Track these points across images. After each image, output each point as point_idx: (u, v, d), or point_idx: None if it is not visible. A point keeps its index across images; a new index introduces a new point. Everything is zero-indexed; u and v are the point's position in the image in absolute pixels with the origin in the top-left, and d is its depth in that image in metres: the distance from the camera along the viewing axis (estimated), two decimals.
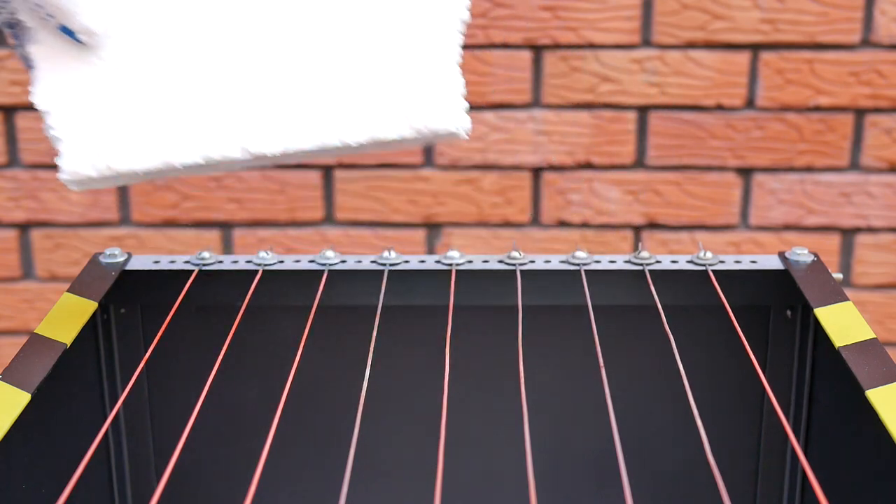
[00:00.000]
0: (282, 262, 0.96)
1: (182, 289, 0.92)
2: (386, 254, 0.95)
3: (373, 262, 0.95)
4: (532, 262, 0.95)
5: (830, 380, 0.88)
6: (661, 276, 0.93)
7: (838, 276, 0.93)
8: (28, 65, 0.81)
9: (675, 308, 0.90)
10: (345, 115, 0.80)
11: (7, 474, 0.74)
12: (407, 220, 1.47)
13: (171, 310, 0.89)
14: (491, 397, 0.97)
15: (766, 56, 1.39)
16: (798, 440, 0.93)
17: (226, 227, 1.49)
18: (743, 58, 1.39)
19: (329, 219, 1.48)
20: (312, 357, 0.90)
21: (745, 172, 1.44)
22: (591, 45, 1.39)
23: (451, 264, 0.94)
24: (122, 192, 1.47)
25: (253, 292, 0.91)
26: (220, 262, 0.96)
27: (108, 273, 0.94)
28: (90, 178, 0.79)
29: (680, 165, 1.44)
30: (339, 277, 0.94)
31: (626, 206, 1.46)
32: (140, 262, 0.96)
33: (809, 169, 1.44)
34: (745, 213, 1.46)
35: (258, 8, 0.82)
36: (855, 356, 0.79)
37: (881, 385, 0.75)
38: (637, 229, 1.47)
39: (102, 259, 0.96)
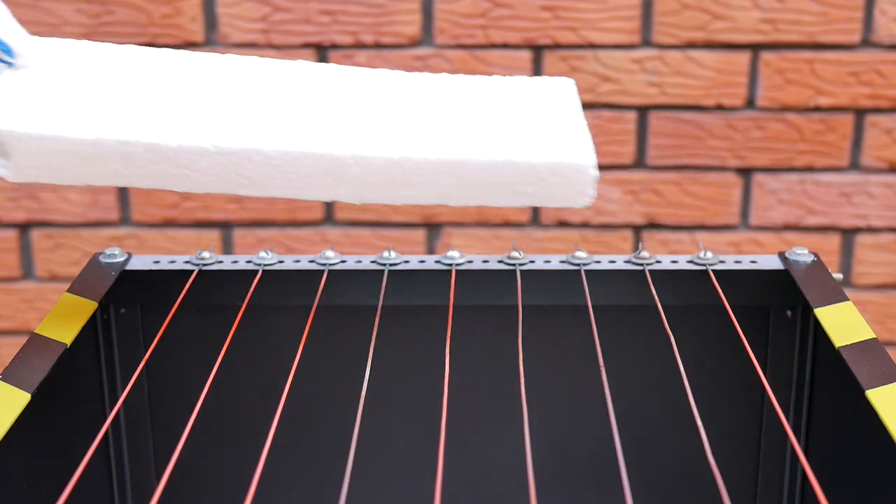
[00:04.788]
0: (282, 262, 0.96)
1: (182, 289, 0.92)
2: (386, 254, 0.95)
3: (373, 262, 0.95)
4: (532, 262, 0.95)
5: (830, 380, 0.88)
6: (661, 276, 0.93)
7: (838, 276, 0.93)
8: None
9: (675, 308, 0.90)
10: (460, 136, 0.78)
11: (7, 474, 0.74)
12: (407, 220, 1.47)
13: (171, 310, 0.89)
14: (491, 397, 0.97)
15: (766, 56, 1.39)
16: (798, 440, 0.93)
17: (226, 227, 1.49)
18: (743, 58, 1.39)
19: (329, 219, 1.48)
20: (312, 357, 0.90)
21: (745, 172, 1.44)
22: (591, 45, 1.39)
23: (451, 264, 0.94)
24: (122, 192, 1.47)
25: (253, 292, 0.91)
26: (220, 262, 0.96)
27: (108, 273, 0.94)
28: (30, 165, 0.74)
29: (680, 165, 1.44)
30: (339, 277, 0.94)
31: (626, 206, 1.46)
32: (140, 262, 0.96)
33: (809, 169, 1.44)
34: (745, 213, 1.46)
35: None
36: (855, 356, 0.79)
37: (881, 385, 0.75)
38: (637, 229, 1.47)
39: (102, 259, 0.96)
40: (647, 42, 1.39)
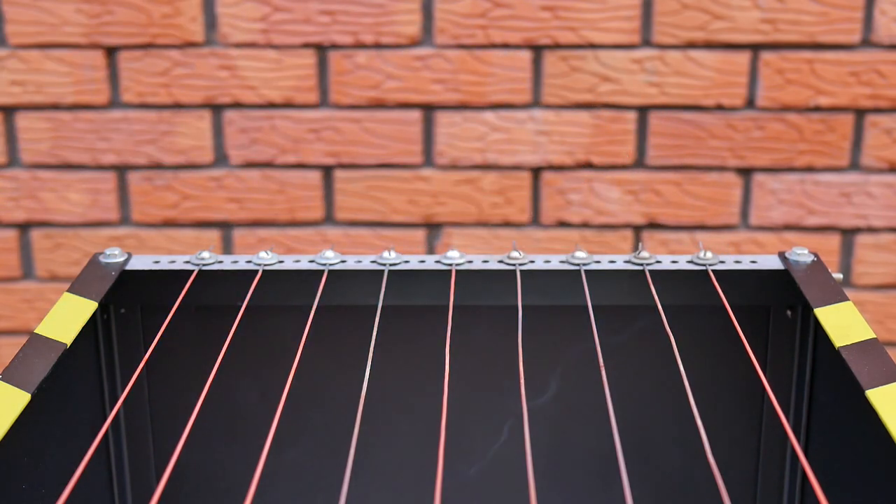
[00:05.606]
0: (282, 262, 0.96)
1: (182, 289, 0.92)
2: (386, 254, 0.95)
3: (373, 262, 0.95)
4: (532, 262, 0.95)
5: (830, 380, 0.88)
6: (661, 276, 0.93)
7: (838, 276, 0.93)
8: None
9: (675, 308, 0.90)
10: None
11: (7, 474, 0.74)
12: (407, 220, 1.47)
13: (171, 310, 0.89)
14: (491, 397, 0.97)
15: (766, 56, 1.39)
16: (798, 440, 0.93)
17: (226, 227, 1.49)
18: (743, 58, 1.39)
19: (329, 219, 1.48)
20: (312, 357, 0.90)
21: (745, 172, 1.44)
22: (591, 45, 1.39)
23: (450, 264, 0.94)
24: (122, 193, 1.47)
25: (253, 292, 0.91)
26: (220, 262, 0.96)
27: (108, 273, 0.94)
28: None
29: (680, 165, 1.44)
30: (339, 277, 0.94)
31: (626, 206, 1.46)
32: (140, 262, 0.96)
33: (809, 169, 1.44)
34: (745, 213, 1.46)
35: None
36: (855, 356, 0.79)
37: (881, 385, 0.75)
38: (637, 229, 1.47)
39: (102, 259, 0.96)
40: (647, 42, 1.39)
